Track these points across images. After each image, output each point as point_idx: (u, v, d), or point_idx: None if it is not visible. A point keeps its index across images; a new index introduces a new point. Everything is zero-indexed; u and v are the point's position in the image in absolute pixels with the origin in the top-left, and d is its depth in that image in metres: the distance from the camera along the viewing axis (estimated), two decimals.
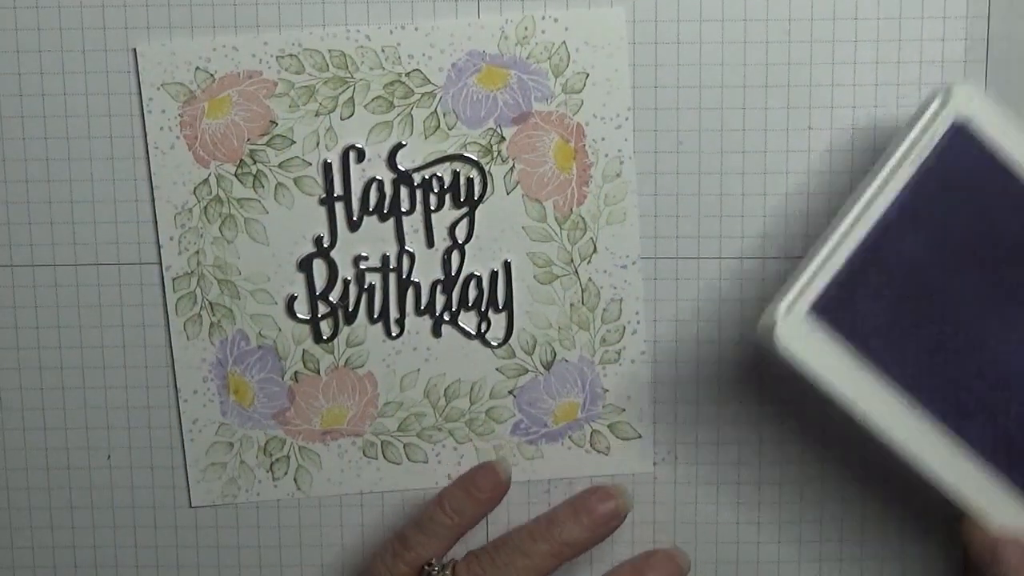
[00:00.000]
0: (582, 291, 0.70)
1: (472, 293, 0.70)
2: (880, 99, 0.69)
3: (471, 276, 0.70)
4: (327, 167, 0.69)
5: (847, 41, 0.69)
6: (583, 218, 0.69)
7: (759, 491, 0.72)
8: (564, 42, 0.68)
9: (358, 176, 0.69)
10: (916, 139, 0.60)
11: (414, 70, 0.68)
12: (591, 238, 0.70)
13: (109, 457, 0.72)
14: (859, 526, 0.72)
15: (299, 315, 0.70)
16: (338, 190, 0.69)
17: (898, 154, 0.60)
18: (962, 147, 0.60)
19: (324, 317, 0.70)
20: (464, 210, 0.69)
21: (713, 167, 0.69)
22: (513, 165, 0.69)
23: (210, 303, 0.70)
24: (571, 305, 0.70)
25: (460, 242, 0.70)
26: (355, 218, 0.69)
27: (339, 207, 0.69)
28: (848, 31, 0.68)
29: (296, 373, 0.71)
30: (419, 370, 0.71)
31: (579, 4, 0.68)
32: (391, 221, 0.69)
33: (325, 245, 0.69)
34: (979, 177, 0.60)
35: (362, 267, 0.70)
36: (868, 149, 0.69)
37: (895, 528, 0.72)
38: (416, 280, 0.70)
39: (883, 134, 0.69)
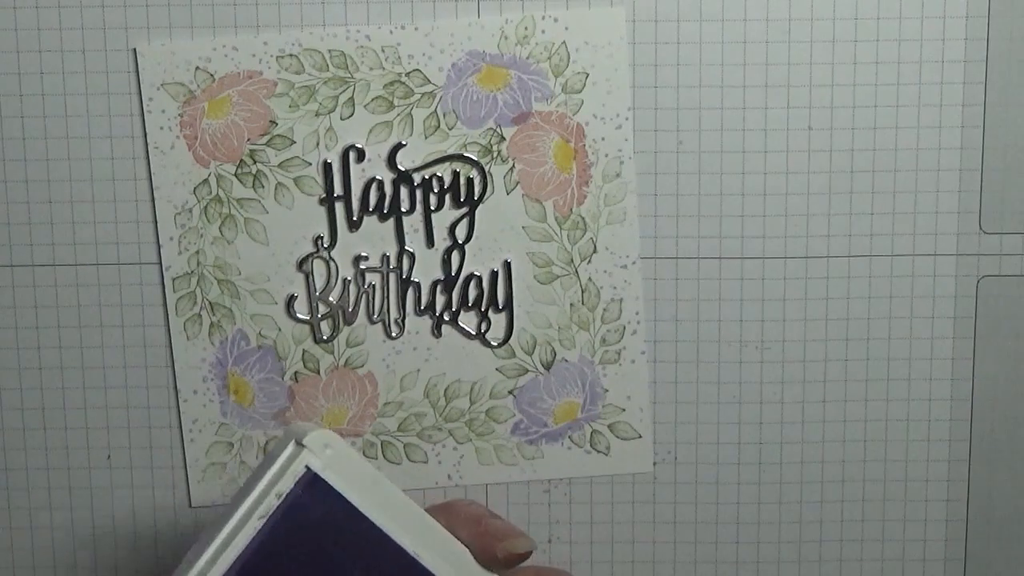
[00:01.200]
0: (582, 291, 0.70)
1: (472, 293, 0.70)
2: (880, 99, 0.69)
3: (471, 276, 0.70)
4: (327, 167, 0.69)
5: (847, 41, 0.69)
6: (583, 218, 0.69)
7: (759, 491, 0.72)
8: (564, 42, 0.68)
9: (358, 176, 0.69)
10: (268, 486, 0.57)
11: (414, 70, 0.68)
12: (591, 238, 0.70)
13: (109, 457, 0.72)
14: (859, 526, 0.72)
15: (299, 315, 0.70)
16: (338, 190, 0.69)
17: (249, 501, 0.57)
18: (315, 494, 0.57)
19: (324, 317, 0.70)
20: (464, 210, 0.69)
21: (713, 167, 0.69)
22: (513, 165, 0.69)
23: (210, 303, 0.70)
24: (571, 305, 0.70)
25: (460, 242, 0.70)
26: (355, 218, 0.69)
27: (339, 207, 0.69)
28: (848, 31, 0.68)
29: (296, 373, 0.71)
30: (419, 370, 0.71)
31: (579, 4, 0.68)
32: (391, 221, 0.69)
33: (325, 245, 0.69)
34: (332, 523, 0.57)
35: (362, 267, 0.70)
36: (868, 149, 0.69)
37: (895, 528, 0.72)
38: (416, 280, 0.70)
39: (883, 134, 0.69)
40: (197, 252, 0.70)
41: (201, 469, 0.72)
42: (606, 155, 0.69)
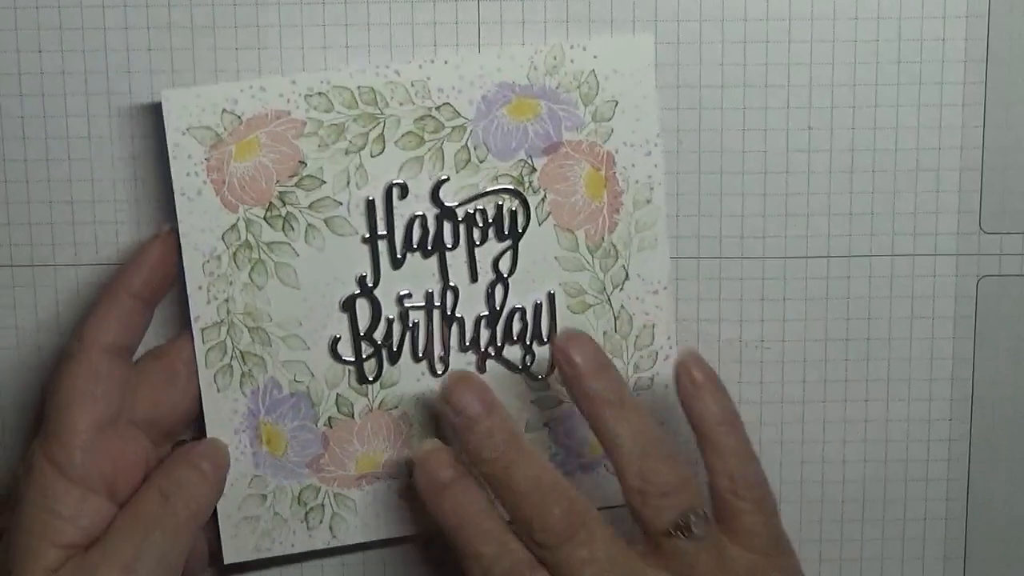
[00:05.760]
0: (615, 319, 0.69)
1: (516, 326, 0.69)
2: (880, 99, 0.69)
3: (515, 309, 0.69)
4: (370, 204, 0.68)
5: (847, 41, 0.69)
6: (614, 246, 0.69)
7: None
8: (593, 70, 0.67)
9: (401, 213, 0.68)
10: None
11: (444, 104, 0.67)
12: (623, 265, 0.69)
13: None
14: (859, 526, 0.72)
15: (344, 356, 0.69)
16: (381, 228, 0.68)
17: None
18: None
19: (368, 357, 0.69)
20: (508, 243, 0.68)
21: (713, 167, 0.69)
22: (544, 195, 0.68)
23: (240, 352, 0.68)
24: (604, 333, 0.69)
25: (504, 275, 0.69)
26: (398, 256, 0.68)
27: (382, 245, 0.68)
28: (848, 31, 0.68)
29: (330, 418, 0.69)
30: None
31: (606, 31, 0.68)
32: (434, 257, 0.68)
33: (369, 284, 0.68)
34: None
35: (406, 305, 0.69)
36: (868, 149, 0.69)
37: (895, 528, 0.72)
38: (460, 315, 0.69)
39: (883, 134, 0.69)
40: (227, 300, 0.68)
41: (234, 524, 0.70)
42: (636, 181, 0.68)
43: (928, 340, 0.71)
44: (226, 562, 0.70)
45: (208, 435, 0.69)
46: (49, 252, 0.70)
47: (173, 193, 0.67)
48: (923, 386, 0.71)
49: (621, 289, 0.69)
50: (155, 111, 0.68)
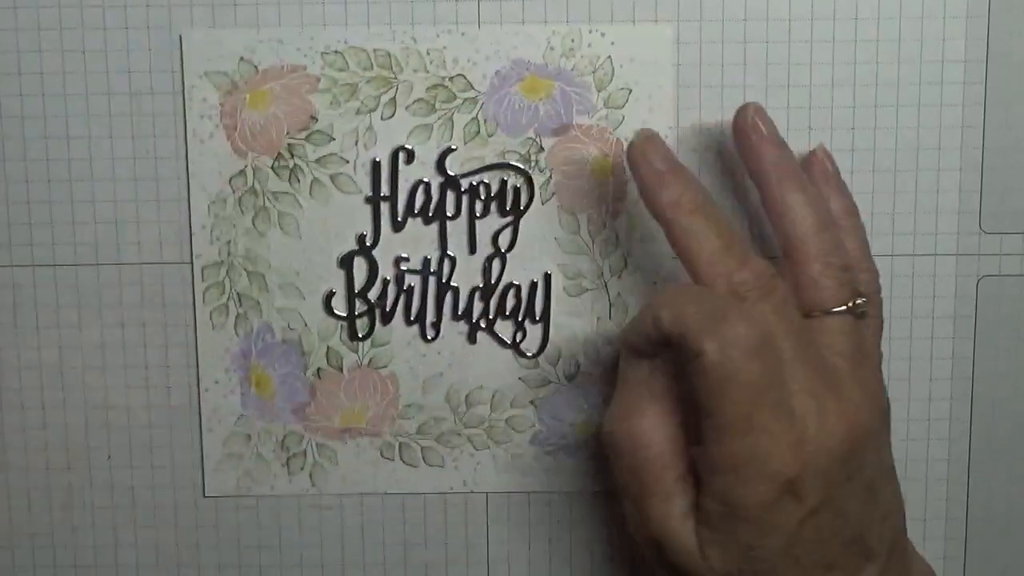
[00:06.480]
0: (610, 306, 0.70)
1: (510, 302, 0.70)
2: (880, 99, 0.69)
3: (510, 285, 0.70)
4: (376, 166, 0.69)
5: (847, 41, 0.69)
6: (616, 233, 0.69)
7: None
8: (610, 56, 0.68)
9: (405, 177, 0.69)
10: None
11: (458, 75, 0.68)
12: (623, 253, 0.69)
13: (110, 458, 0.72)
14: None
15: (337, 311, 0.70)
16: (384, 190, 0.69)
17: None
18: None
19: (361, 315, 0.70)
20: (509, 219, 0.69)
21: (714, 166, 0.69)
22: (550, 176, 0.69)
23: (238, 294, 0.70)
24: (598, 319, 0.70)
25: (502, 250, 0.69)
26: (400, 219, 0.69)
27: (384, 207, 0.69)
28: (848, 31, 0.69)
29: (319, 370, 0.71)
30: (442, 374, 0.71)
31: (625, 19, 0.68)
32: (435, 225, 0.69)
33: (368, 244, 0.69)
34: None
35: (403, 268, 0.69)
36: (868, 149, 0.69)
37: None
38: (455, 285, 0.70)
39: (883, 134, 0.69)
40: (228, 242, 0.69)
41: (217, 460, 0.72)
42: None
43: (928, 340, 0.71)
44: (207, 495, 0.72)
45: (200, 371, 0.71)
46: (49, 252, 0.70)
47: (182, 137, 0.69)
48: (923, 386, 0.71)
49: (619, 277, 0.69)
50: (155, 110, 0.68)
